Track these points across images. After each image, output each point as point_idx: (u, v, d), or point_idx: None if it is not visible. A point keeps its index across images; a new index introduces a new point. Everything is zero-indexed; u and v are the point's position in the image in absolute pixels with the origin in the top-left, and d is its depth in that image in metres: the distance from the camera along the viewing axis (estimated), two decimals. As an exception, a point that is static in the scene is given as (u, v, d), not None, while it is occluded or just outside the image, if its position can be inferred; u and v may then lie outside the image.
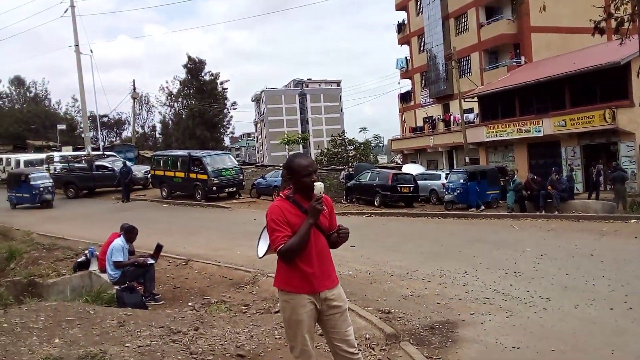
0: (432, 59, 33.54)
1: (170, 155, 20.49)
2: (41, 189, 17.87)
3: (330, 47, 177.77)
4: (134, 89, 39.40)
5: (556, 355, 4.13)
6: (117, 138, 53.16)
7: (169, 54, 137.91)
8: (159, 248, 6.76)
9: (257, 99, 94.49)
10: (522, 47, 28.06)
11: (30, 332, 4.18)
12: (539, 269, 7.12)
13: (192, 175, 18.52)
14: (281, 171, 17.75)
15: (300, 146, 52.66)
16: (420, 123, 34.84)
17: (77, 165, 22.39)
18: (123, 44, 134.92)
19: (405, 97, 37.96)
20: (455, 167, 26.13)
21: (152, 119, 56.34)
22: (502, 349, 4.30)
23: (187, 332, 4.42)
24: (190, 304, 6.25)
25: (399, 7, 37.88)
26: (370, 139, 48.52)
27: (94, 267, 7.15)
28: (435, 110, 33.68)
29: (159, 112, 59.23)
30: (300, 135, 55.14)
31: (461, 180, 16.69)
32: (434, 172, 22.86)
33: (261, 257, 2.98)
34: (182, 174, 18.89)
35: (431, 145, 30.70)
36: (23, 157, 27.27)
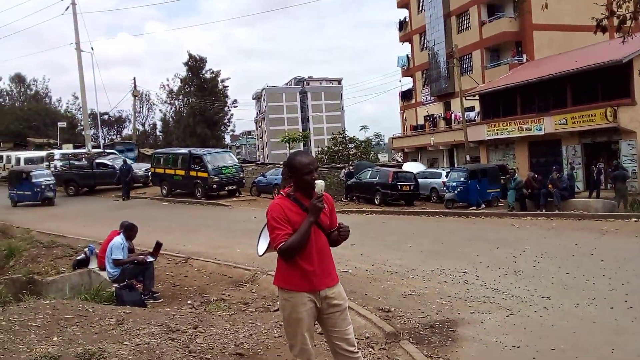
0: (433, 56, 33.46)
1: (170, 153, 20.48)
2: (43, 186, 17.85)
3: (332, 45, 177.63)
4: (135, 86, 39.43)
5: (556, 354, 4.12)
6: (118, 136, 53.23)
7: (170, 51, 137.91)
8: (158, 246, 6.75)
9: (257, 97, 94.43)
10: (524, 45, 27.97)
11: (28, 330, 4.17)
12: (539, 268, 7.09)
13: (193, 173, 18.51)
14: (281, 169, 17.73)
15: (301, 144, 52.69)
16: (421, 121, 34.78)
17: (77, 162, 22.39)
18: (124, 42, 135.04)
19: (406, 95, 37.90)
20: (455, 165, 26.11)
21: (153, 117, 56.39)
22: (502, 348, 4.29)
23: (186, 330, 4.40)
24: (189, 302, 6.24)
25: (401, 5, 37.77)
26: (371, 137, 48.60)
27: (93, 264, 7.14)
28: (436, 109, 33.62)
29: (160, 110, 59.23)
30: (300, 133, 55.16)
31: (462, 179, 16.66)
32: (435, 170, 22.85)
33: (261, 255, 2.97)
34: (182, 172, 18.88)
35: (432, 143, 30.66)
36: (23, 154, 27.29)
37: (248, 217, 13.29)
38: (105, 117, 49.83)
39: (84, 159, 22.72)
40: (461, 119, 25.66)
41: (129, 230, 6.67)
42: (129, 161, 22.07)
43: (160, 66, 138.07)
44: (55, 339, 3.99)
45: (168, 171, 19.44)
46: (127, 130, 53.53)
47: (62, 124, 37.67)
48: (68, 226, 12.32)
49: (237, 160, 21.35)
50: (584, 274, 6.59)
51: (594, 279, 6.35)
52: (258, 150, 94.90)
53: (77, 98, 49.14)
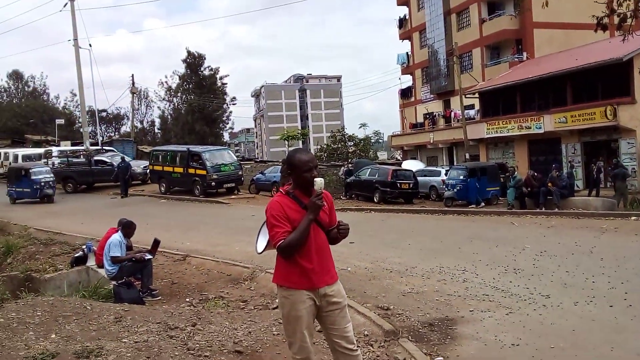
0: (433, 54, 33.40)
1: (169, 151, 20.44)
2: (42, 183, 17.76)
3: (332, 43, 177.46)
4: (133, 83, 39.28)
5: (555, 353, 4.11)
6: (116, 133, 53.07)
7: (169, 48, 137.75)
8: (156, 243, 6.73)
9: (256, 94, 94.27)
10: (524, 42, 27.94)
11: (26, 327, 4.15)
12: (538, 266, 7.09)
13: (191, 171, 18.48)
14: (280, 167, 17.71)
15: (300, 142, 52.60)
16: (420, 119, 34.76)
17: (75, 160, 22.32)
18: (122, 39, 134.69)
19: (405, 93, 37.85)
20: (455, 163, 26.11)
21: (151, 114, 56.26)
22: (501, 346, 4.28)
23: (185, 328, 4.39)
24: (187, 299, 6.23)
25: (401, 2, 37.68)
26: (370, 135, 48.58)
27: (91, 262, 7.11)
28: (436, 106, 33.58)
29: (158, 107, 59.15)
30: (299, 131, 55.08)
31: (461, 177, 16.66)
32: (434, 168, 22.85)
33: (260, 253, 2.95)
34: (180, 170, 18.85)
35: (431, 141, 30.65)
36: (21, 151, 27.21)
37: (247, 214, 13.28)
38: (104, 114, 49.74)
39: (82, 156, 22.65)
40: (461, 117, 25.64)
41: (127, 228, 6.64)
42: (127, 158, 22.01)
43: (158, 63, 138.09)
44: (53, 336, 3.97)
45: (166, 169, 19.40)
46: (126, 128, 53.44)
47: (60, 121, 37.56)
48: (66, 223, 12.28)
49: (235, 158, 21.32)
50: (584, 273, 6.59)
51: (594, 277, 6.35)
52: (257, 147, 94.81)
53: (75, 95, 49.09)
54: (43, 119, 45.35)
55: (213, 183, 18.11)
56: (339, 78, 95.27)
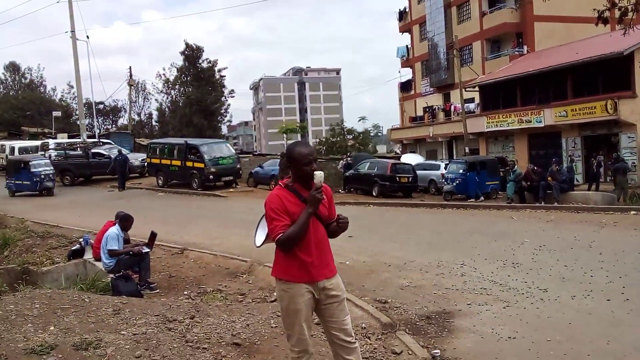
0: (433, 47, 33.23)
1: (166, 143, 20.35)
2: (42, 176, 17.64)
3: (331, 35, 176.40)
4: (131, 75, 39.09)
5: (552, 346, 4.13)
6: (113, 125, 52.83)
7: (167, 40, 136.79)
8: (153, 236, 6.72)
9: (255, 87, 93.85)
10: (524, 36, 27.80)
11: (25, 319, 4.14)
12: (537, 260, 7.11)
13: (189, 164, 18.42)
14: (279, 160, 17.67)
15: (299, 135, 52.51)
16: (420, 113, 34.68)
17: (73, 152, 22.23)
18: (120, 30, 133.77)
19: (405, 86, 37.72)
20: (454, 157, 26.09)
21: (149, 107, 55.80)
22: (498, 339, 4.30)
23: (183, 320, 4.39)
24: (186, 292, 6.23)
25: (400, -5, 37.47)
26: (369, 129, 48.45)
27: (88, 255, 7.10)
28: (436, 100, 33.49)
29: (156, 100, 58.60)
30: (298, 124, 54.98)
31: (460, 171, 16.65)
32: (433, 162, 22.81)
33: (259, 246, 2.95)
34: (178, 163, 18.79)
35: (431, 135, 30.60)
36: (18, 144, 27.07)
37: (245, 208, 13.26)
38: (101, 106, 49.42)
39: (79, 149, 22.56)
40: (460, 110, 25.58)
41: (125, 221, 6.63)
42: (124, 151, 21.93)
43: (156, 55, 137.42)
44: (52, 328, 3.97)
45: (164, 161, 19.34)
46: (123, 120, 53.12)
47: (57, 113, 37.35)
48: (63, 216, 12.26)
49: (234, 151, 21.26)
50: (582, 267, 6.61)
51: (592, 271, 6.36)
52: (255, 141, 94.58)
53: (72, 87, 48.66)
54: (40, 111, 45.10)
55: (211, 176, 18.06)
56: (338, 71, 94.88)
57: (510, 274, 6.42)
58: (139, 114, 53.89)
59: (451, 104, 30.63)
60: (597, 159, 17.74)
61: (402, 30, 37.60)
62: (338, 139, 36.79)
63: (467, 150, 24.36)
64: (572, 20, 25.91)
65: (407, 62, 37.33)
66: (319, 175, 2.67)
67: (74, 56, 25.39)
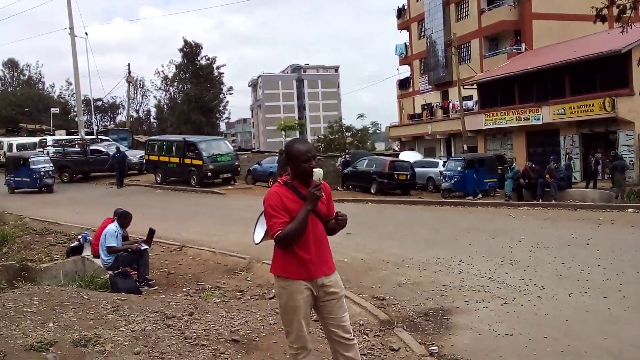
0: (431, 45, 33.20)
1: (165, 140, 20.32)
2: (42, 173, 17.57)
3: (330, 32, 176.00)
4: (129, 72, 38.98)
5: (549, 342, 4.15)
6: (111, 122, 52.65)
7: (165, 37, 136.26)
8: (151, 232, 6.71)
9: (253, 84, 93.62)
10: (522, 34, 27.79)
11: (24, 316, 4.15)
12: (534, 258, 7.13)
13: (187, 161, 18.40)
14: (278, 157, 17.66)
15: (297, 132, 52.39)
16: (418, 110, 34.67)
17: (71, 149, 22.17)
18: (119, 27, 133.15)
19: (403, 84, 37.70)
20: (453, 154, 26.12)
21: (147, 104, 55.66)
22: (495, 336, 4.32)
23: (182, 317, 4.40)
24: (184, 289, 6.24)
25: (399, -8, 37.36)
26: (367, 126, 48.21)
27: (87, 252, 7.10)
28: (434, 97, 33.48)
29: (154, 97, 58.54)
30: (297, 122, 54.86)
31: (459, 168, 16.67)
32: (432, 159, 22.82)
33: (258, 243, 2.95)
34: (176, 160, 18.76)
35: (429, 132, 30.61)
36: (16, 140, 26.97)
37: (243, 205, 13.27)
38: (99, 103, 49.26)
39: (77, 146, 22.50)
40: (459, 108, 25.59)
41: (123, 218, 6.62)
42: (122, 148, 21.88)
43: (155, 52, 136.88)
44: (51, 325, 3.98)
45: (162, 158, 19.31)
46: (121, 117, 52.98)
47: (55, 110, 37.23)
48: (61, 213, 12.24)
49: (232, 148, 21.26)
50: (579, 264, 6.64)
51: (589, 269, 6.39)
52: (253, 138, 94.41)
53: (70, 84, 48.48)
54: (38, 107, 44.94)
55: (209, 173, 18.05)
56: (336, 68, 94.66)
57: (507, 271, 6.45)
58: (137, 111, 53.73)
59: (449, 102, 30.63)
60: (595, 157, 17.78)
61: (401, 27, 37.54)
62: (336, 136, 36.74)
63: (465, 147, 24.38)
64: (570, 18, 25.90)
65: (405, 60, 37.28)
66: (318, 172, 2.67)
67: (73, 53, 25.32)
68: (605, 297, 5.24)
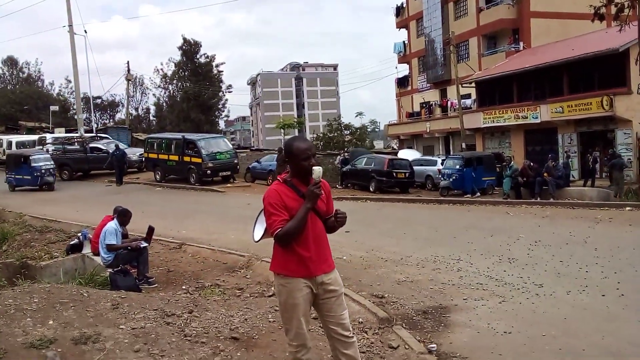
0: (430, 43, 33.18)
1: (164, 138, 20.30)
2: (42, 170, 17.50)
3: (328, 30, 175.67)
4: (128, 70, 38.82)
5: (547, 340, 4.17)
6: (111, 120, 52.59)
7: (165, 35, 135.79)
8: (151, 230, 6.72)
9: (252, 82, 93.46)
10: (521, 32, 27.79)
11: (24, 313, 4.15)
12: (533, 256, 7.16)
13: (186, 159, 18.39)
14: (277, 155, 17.65)
15: (296, 130, 52.35)
16: (417, 108, 34.66)
17: (71, 147, 22.13)
18: (118, 25, 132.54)
19: (402, 82, 37.68)
20: (451, 153, 26.13)
21: (146, 101, 55.60)
22: (494, 334, 4.35)
23: (182, 314, 4.41)
24: (184, 287, 6.24)
25: (398, -10, 37.28)
26: (366, 124, 48.25)
27: (86, 250, 7.11)
28: (432, 96, 33.48)
29: (153, 95, 58.55)
30: (296, 120, 54.77)
31: (457, 167, 16.69)
32: (430, 157, 22.82)
33: (257, 241, 2.96)
34: (176, 157, 18.75)
35: (428, 130, 30.62)
36: (15, 138, 26.90)
37: (242, 203, 13.27)
38: (98, 101, 49.12)
39: (76, 143, 22.46)
40: (457, 106, 25.58)
41: (123, 216, 6.63)
42: (122, 146, 21.84)
43: (154, 50, 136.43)
44: (51, 322, 3.98)
45: (162, 156, 19.29)
46: (120, 115, 52.90)
47: (54, 108, 37.11)
48: (61, 211, 12.23)
49: (231, 146, 21.25)
50: (577, 262, 6.67)
51: (587, 267, 6.42)
52: (252, 136, 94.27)
53: (69, 81, 48.31)
54: (37, 105, 44.84)
55: (208, 171, 18.04)
56: (335, 66, 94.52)
57: (506, 269, 6.47)
58: (136, 109, 53.67)
59: (448, 100, 30.63)
60: (592, 155, 17.82)
61: (399, 26, 37.49)
62: (335, 134, 36.68)
63: (463, 146, 24.39)
64: (569, 16, 25.91)
65: (404, 58, 37.25)
66: (317, 170, 2.68)
67: (72, 50, 25.19)
68: (604, 295, 5.27)
